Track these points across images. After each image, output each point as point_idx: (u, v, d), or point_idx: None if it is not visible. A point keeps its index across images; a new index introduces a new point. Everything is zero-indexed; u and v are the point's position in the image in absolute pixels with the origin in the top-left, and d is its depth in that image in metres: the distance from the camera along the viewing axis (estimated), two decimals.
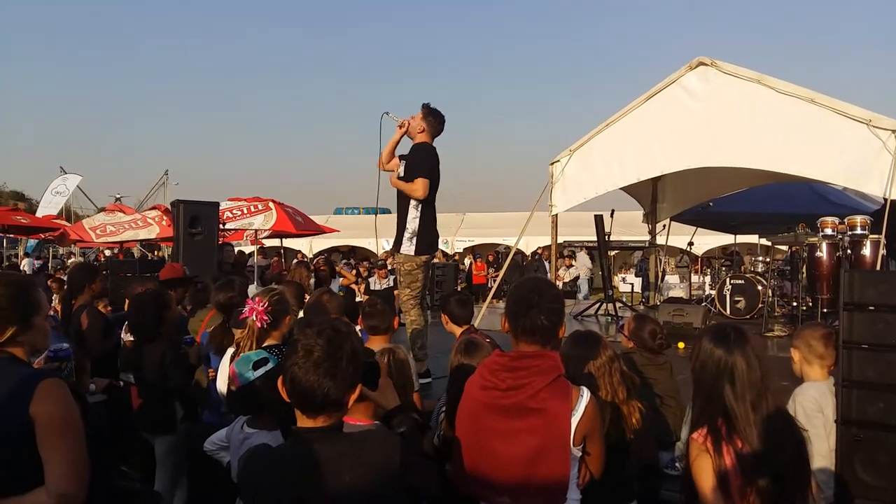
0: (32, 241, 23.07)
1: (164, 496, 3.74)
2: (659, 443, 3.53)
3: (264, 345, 3.16)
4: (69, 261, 19.92)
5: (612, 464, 2.66)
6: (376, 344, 3.44)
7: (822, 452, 3.11)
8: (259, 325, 3.16)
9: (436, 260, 12.52)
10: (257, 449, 2.05)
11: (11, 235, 19.26)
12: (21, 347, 2.16)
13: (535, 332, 2.35)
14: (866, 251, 7.68)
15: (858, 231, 7.79)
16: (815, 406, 3.15)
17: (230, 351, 3.44)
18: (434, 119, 5.33)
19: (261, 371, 2.73)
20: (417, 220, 5.24)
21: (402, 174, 5.29)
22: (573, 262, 19.25)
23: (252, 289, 5.02)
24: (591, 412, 2.32)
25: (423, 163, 5.18)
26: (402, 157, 5.41)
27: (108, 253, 22.68)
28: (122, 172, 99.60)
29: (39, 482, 1.98)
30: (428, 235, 5.31)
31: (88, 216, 22.13)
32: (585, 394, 2.33)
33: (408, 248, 5.26)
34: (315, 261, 11.05)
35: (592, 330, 3.05)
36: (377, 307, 3.79)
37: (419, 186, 5.12)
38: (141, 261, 13.02)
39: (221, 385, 3.50)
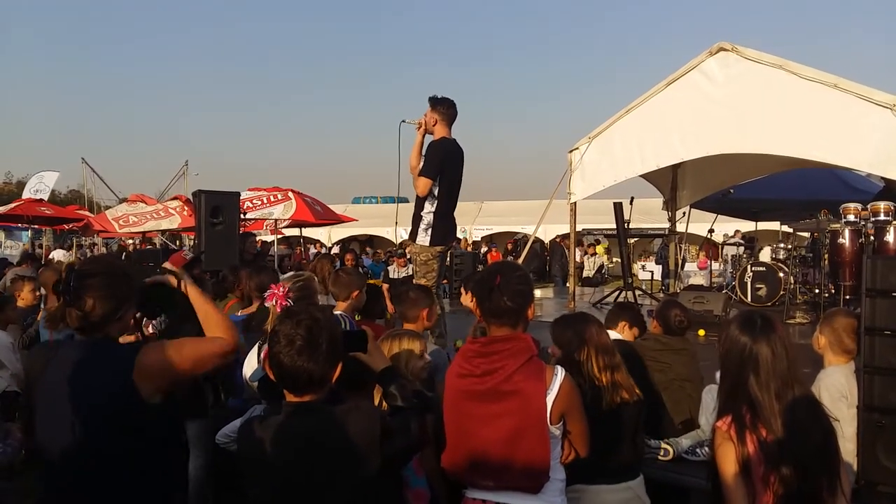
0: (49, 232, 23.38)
1: (196, 478, 3.81)
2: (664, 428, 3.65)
3: None
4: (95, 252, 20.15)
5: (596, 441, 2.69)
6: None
7: (848, 436, 3.12)
8: (279, 310, 3.21)
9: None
10: (248, 420, 2.24)
11: (36, 226, 19.55)
12: (120, 323, 2.22)
13: (500, 314, 2.40)
14: (889, 237, 7.56)
15: (882, 217, 7.67)
16: (838, 391, 3.18)
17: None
18: (443, 107, 5.43)
19: None
20: (432, 212, 5.35)
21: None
22: (596, 251, 19.19)
23: None
24: (567, 390, 2.36)
25: (429, 162, 5.34)
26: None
27: (129, 242, 22.99)
28: (143, 163, 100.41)
29: (137, 461, 2.04)
30: (443, 227, 5.40)
31: (110, 207, 22.37)
32: (560, 372, 2.38)
33: (423, 238, 5.37)
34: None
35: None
36: (408, 295, 3.87)
37: (420, 184, 5.32)
38: (164, 250, 13.17)
39: (247, 370, 3.55)
